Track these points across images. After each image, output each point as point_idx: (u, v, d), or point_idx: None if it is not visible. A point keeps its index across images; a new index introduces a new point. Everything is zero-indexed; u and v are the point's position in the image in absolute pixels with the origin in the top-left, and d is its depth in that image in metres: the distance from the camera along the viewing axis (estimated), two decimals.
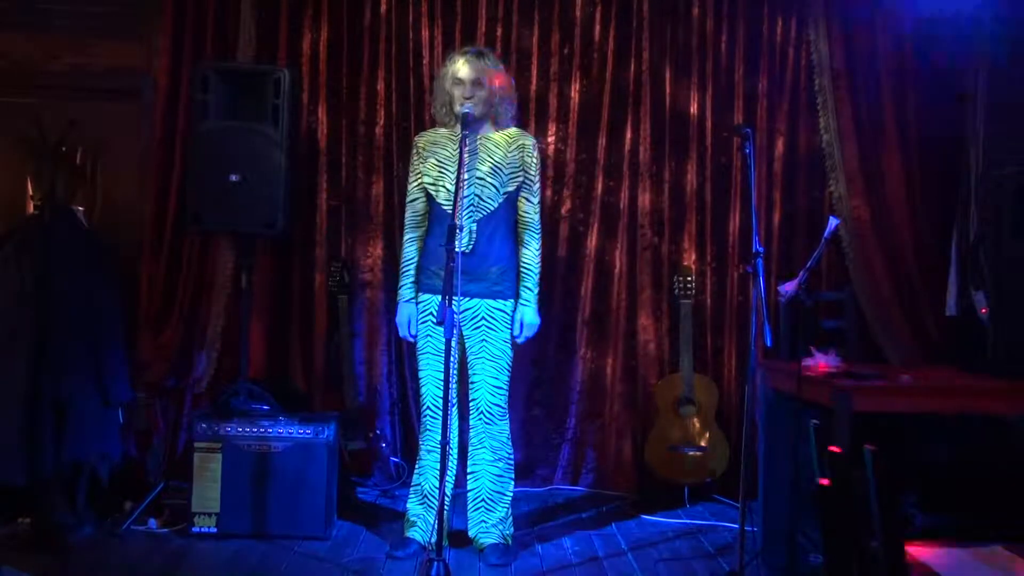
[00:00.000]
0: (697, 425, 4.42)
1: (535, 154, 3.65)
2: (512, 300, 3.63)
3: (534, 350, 4.70)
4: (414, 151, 3.69)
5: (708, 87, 4.69)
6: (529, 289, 3.63)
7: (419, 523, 3.63)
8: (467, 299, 3.51)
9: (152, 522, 3.82)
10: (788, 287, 3.92)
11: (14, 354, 3.79)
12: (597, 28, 4.68)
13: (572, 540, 3.90)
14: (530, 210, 3.66)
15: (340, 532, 3.86)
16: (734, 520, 4.11)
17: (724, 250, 4.71)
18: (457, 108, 3.51)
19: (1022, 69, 4.30)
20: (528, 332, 3.64)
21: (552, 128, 4.69)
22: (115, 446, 4.09)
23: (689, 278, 4.45)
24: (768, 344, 3.17)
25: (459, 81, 3.52)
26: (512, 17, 4.67)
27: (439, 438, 3.53)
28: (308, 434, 3.78)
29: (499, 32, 4.66)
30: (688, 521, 4.19)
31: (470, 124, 3.49)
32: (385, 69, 4.65)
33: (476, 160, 3.54)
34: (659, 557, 3.69)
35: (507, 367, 3.62)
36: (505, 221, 3.60)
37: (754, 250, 3.27)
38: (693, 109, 4.69)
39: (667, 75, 4.68)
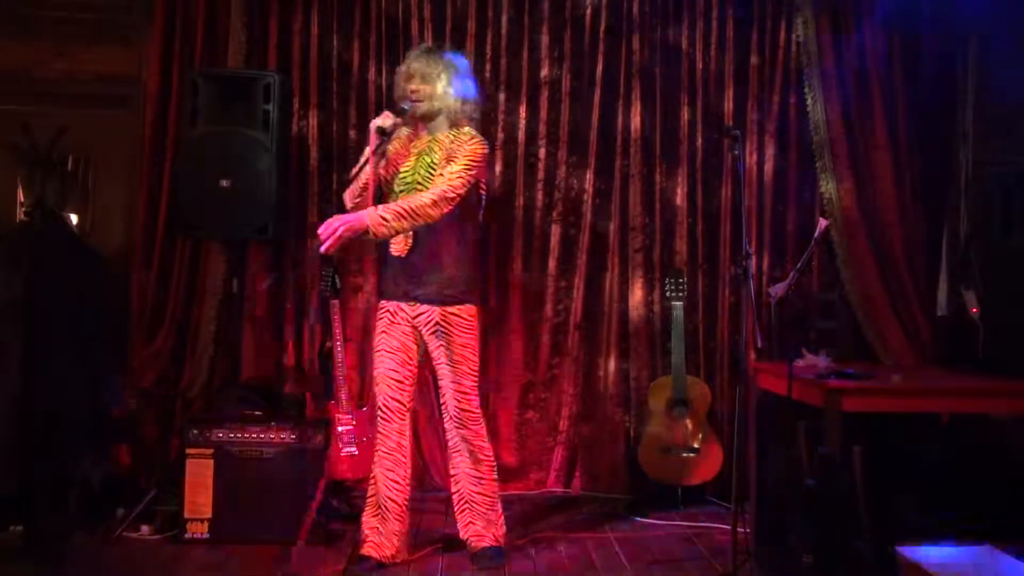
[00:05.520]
0: (690, 427, 4.42)
1: (468, 143, 3.39)
2: (469, 304, 3.49)
3: (527, 353, 4.71)
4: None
5: (698, 87, 4.70)
6: (387, 209, 3.25)
7: (372, 537, 3.51)
8: (420, 304, 3.45)
9: (144, 529, 3.81)
10: (778, 288, 3.93)
11: (5, 361, 3.78)
12: (587, 30, 4.69)
13: (566, 543, 3.89)
14: (439, 179, 3.34)
15: (333, 538, 3.83)
16: (727, 521, 4.10)
17: (715, 251, 4.71)
18: (403, 105, 3.40)
19: (1011, 69, 4.31)
20: (331, 224, 3.16)
21: (543, 131, 4.69)
22: (106, 453, 4.08)
23: (681, 279, 4.45)
24: (759, 345, 3.17)
25: (409, 77, 3.42)
26: (501, 20, 4.67)
27: (390, 443, 3.51)
28: (300, 439, 3.77)
29: (489, 36, 4.67)
30: (681, 523, 4.19)
31: (408, 122, 3.43)
32: (376, 73, 4.65)
33: (418, 162, 3.44)
34: (652, 559, 3.68)
35: (470, 371, 3.49)
36: (449, 225, 3.41)
37: (744, 251, 3.27)
38: (683, 110, 4.70)
39: (657, 75, 4.69)
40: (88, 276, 4.09)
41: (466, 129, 3.46)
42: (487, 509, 3.58)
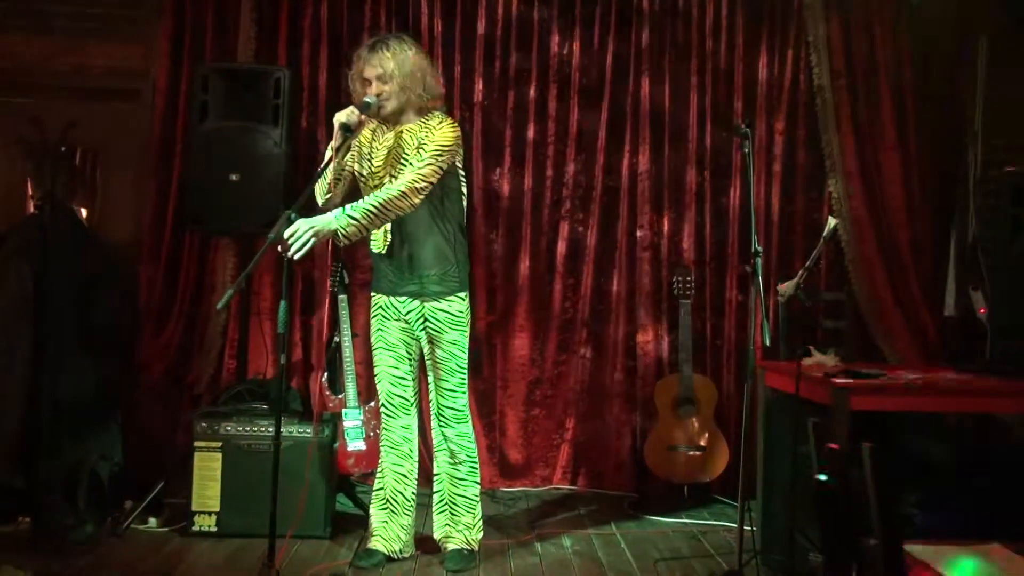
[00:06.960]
0: (696, 425, 4.42)
1: (437, 128, 3.31)
2: (456, 298, 3.41)
3: (534, 350, 4.71)
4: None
5: (707, 87, 4.70)
6: (356, 208, 3.15)
7: (381, 532, 3.53)
8: (408, 300, 3.42)
9: (152, 521, 3.83)
10: (786, 286, 3.93)
11: (14, 354, 3.80)
12: (597, 28, 4.69)
13: (571, 539, 3.90)
14: (408, 169, 3.26)
15: (339, 532, 3.86)
16: (733, 520, 4.12)
17: (723, 250, 4.71)
18: (366, 99, 3.30)
19: (1019, 69, 4.30)
20: (299, 232, 2.99)
21: (551, 128, 4.70)
22: (115, 445, 4.09)
23: (688, 277, 4.45)
24: (767, 343, 3.17)
25: (364, 80, 3.33)
26: (511, 18, 4.67)
27: (395, 437, 3.52)
28: (308, 434, 3.78)
29: (499, 32, 4.67)
30: (687, 521, 4.20)
31: (376, 114, 3.35)
32: None
33: (390, 155, 3.37)
34: (658, 556, 3.69)
35: (458, 369, 3.45)
36: (430, 219, 3.37)
37: (753, 250, 3.27)
38: (692, 108, 4.70)
39: (667, 74, 4.69)
40: (97, 269, 4.10)
41: (435, 114, 3.38)
42: (465, 511, 3.53)
